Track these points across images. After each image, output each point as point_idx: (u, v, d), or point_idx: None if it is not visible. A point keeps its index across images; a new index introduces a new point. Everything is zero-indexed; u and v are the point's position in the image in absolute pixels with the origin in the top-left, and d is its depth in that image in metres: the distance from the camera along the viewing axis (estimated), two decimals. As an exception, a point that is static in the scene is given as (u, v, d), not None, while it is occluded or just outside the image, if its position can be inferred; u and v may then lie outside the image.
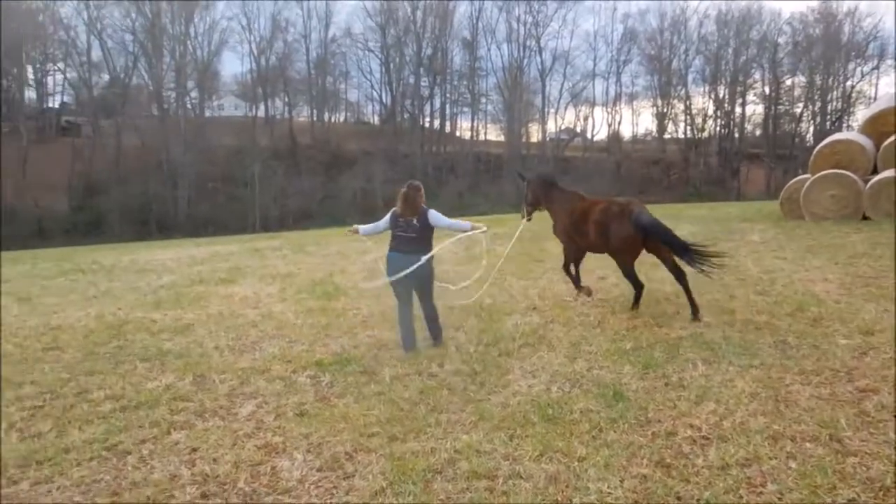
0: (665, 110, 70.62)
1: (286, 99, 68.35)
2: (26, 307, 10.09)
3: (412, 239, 6.49)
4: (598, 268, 10.15)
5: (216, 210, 52.15)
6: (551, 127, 72.36)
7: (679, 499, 3.37)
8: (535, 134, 72.83)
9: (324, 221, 45.13)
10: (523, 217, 9.18)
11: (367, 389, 5.45)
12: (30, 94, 62.98)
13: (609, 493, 3.46)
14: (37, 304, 10.37)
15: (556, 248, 13.34)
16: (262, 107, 67.79)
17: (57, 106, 65.30)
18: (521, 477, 3.71)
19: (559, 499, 3.44)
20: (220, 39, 65.81)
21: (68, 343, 7.56)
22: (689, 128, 70.16)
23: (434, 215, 6.54)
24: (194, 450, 4.38)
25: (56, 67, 63.44)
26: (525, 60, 70.09)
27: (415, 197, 6.57)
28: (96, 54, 61.67)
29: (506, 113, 70.30)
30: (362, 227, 7.06)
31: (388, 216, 6.74)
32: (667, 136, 71.05)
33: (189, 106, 64.63)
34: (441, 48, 69.39)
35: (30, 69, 61.61)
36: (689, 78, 70.02)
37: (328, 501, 3.58)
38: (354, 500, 3.54)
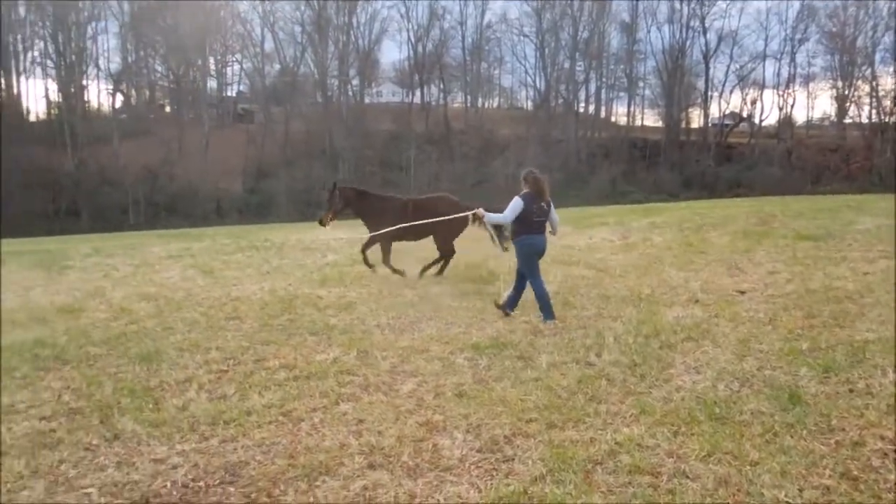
0: (846, 92, 64.55)
1: (441, 85, 69.64)
2: (210, 279, 11.03)
3: (543, 222, 7.42)
4: (768, 261, 9.51)
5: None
6: (714, 112, 68.53)
7: (870, 516, 3.10)
8: (695, 119, 69.34)
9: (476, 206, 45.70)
10: (324, 224, 10.41)
11: (524, 375, 5.46)
12: (211, 83, 68.49)
13: (787, 501, 3.25)
14: (219, 276, 11.31)
15: (719, 240, 12.69)
16: (418, 93, 69.49)
17: (234, 94, 70.62)
18: (688, 476, 3.57)
19: (730, 503, 3.27)
20: (381, 28, 68.14)
21: (246, 314, 8.18)
22: (874, 111, 63.69)
23: None
24: (360, 421, 4.59)
25: (234, 59, 68.62)
26: (688, 42, 66.72)
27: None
28: (269, 45, 66.07)
29: (664, 97, 67.41)
30: (489, 215, 7.75)
31: (520, 205, 7.23)
32: (847, 120, 64.98)
33: (350, 93, 67.55)
34: (598, 31, 67.65)
35: (211, 61, 66.96)
36: (877, 57, 63.46)
37: (488, 482, 3.63)
38: (514, 484, 3.56)
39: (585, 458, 3.84)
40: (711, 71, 67.45)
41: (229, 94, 70.52)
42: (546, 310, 7.28)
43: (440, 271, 10.41)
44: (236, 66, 69.63)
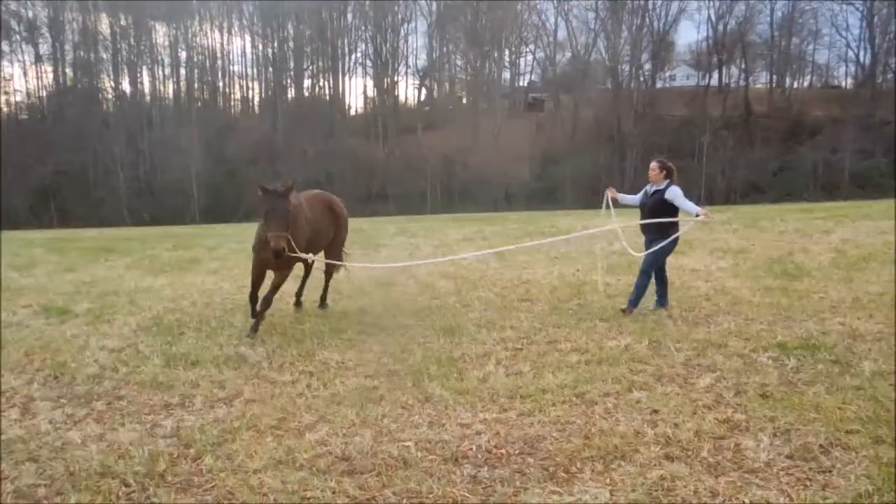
0: None
1: (743, 65, 64.52)
2: (502, 262, 11.62)
3: None
4: None
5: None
6: None
7: None
8: None
9: (776, 196, 41.80)
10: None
11: (842, 381, 4.92)
12: (505, 75, 71.46)
13: None
14: (510, 260, 11.87)
15: None
16: (715, 75, 65.26)
17: (525, 84, 72.90)
18: None
19: None
20: (679, 8, 65.09)
21: (537, 297, 8.49)
22: None
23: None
24: (655, 411, 4.52)
25: (527, 49, 70.77)
26: None
27: None
28: (561, 34, 66.97)
29: None
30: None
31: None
32: None
33: (641, 78, 65.77)
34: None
35: (506, 53, 69.80)
36: None
37: (801, 492, 3.36)
38: (833, 497, 3.25)
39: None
40: None
41: (521, 83, 72.93)
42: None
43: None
44: (529, 57, 71.78)
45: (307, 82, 67.76)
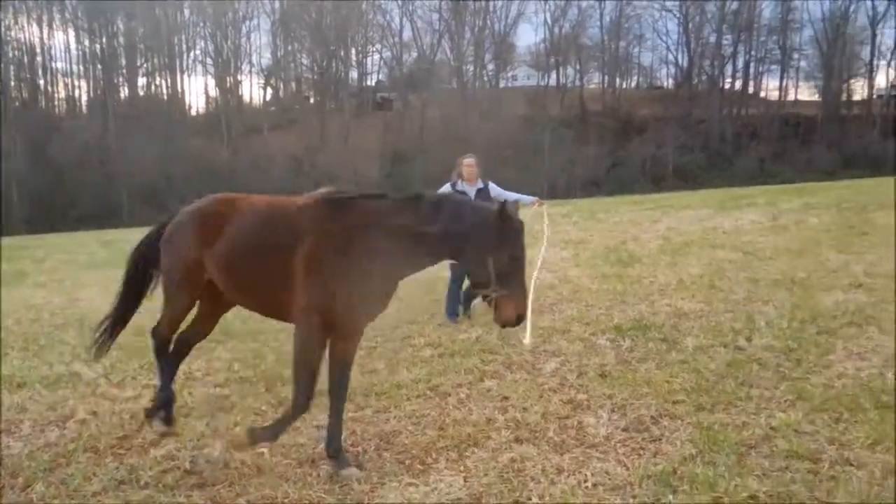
0: None
1: (578, 66, 68.28)
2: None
3: None
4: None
5: (506, 177, 54.35)
6: (881, 82, 62.56)
7: None
8: (858, 91, 63.66)
9: (610, 189, 44.62)
10: None
11: (669, 357, 5.37)
12: (352, 74, 70.97)
13: (970, 498, 3.03)
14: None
15: (885, 220, 11.67)
16: (553, 75, 68.56)
17: (373, 83, 72.87)
18: (852, 464, 3.40)
19: (902, 493, 3.10)
20: (518, 11, 67.69)
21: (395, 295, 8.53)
22: None
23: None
24: (505, 398, 4.72)
25: (374, 49, 70.73)
26: (852, 7, 61.18)
27: None
28: (407, 34, 67.53)
29: (823, 69, 62.35)
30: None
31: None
32: None
33: (485, 78, 67.77)
34: (748, 1, 63.54)
35: (353, 52, 69.37)
36: None
37: (636, 461, 3.64)
38: (663, 463, 3.54)
39: (738, 441, 3.76)
40: (879, 37, 61.57)
41: (369, 83, 72.82)
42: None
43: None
44: (376, 56, 71.79)
45: (142, 80, 63.80)
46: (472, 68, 66.76)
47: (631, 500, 3.25)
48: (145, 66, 63.95)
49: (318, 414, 4.49)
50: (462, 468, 3.68)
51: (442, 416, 4.44)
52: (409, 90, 66.42)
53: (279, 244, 3.61)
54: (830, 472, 3.33)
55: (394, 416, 4.49)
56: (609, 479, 3.47)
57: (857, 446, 3.57)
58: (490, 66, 68.05)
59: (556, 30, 67.44)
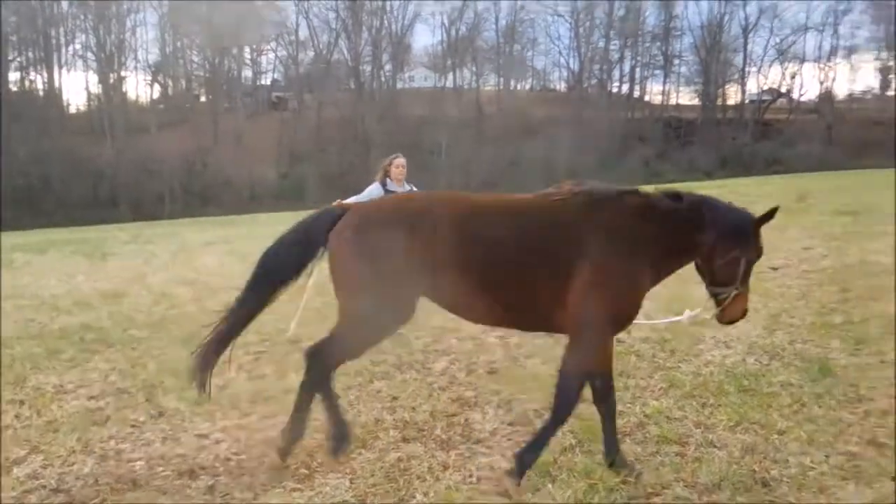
0: (891, 63, 62.53)
1: (474, 68, 69.32)
2: (247, 265, 11.27)
3: None
4: (804, 237, 9.41)
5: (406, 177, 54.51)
6: (752, 88, 67.01)
7: (894, 479, 3.13)
8: (733, 96, 67.88)
9: (508, 189, 45.64)
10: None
11: (555, 352, 5.53)
12: (246, 73, 69.12)
13: (813, 467, 3.30)
14: (253, 261, 11.54)
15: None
16: (450, 77, 69.28)
17: (268, 83, 71.23)
18: (715, 445, 3.64)
19: (756, 469, 3.34)
20: (414, 12, 67.94)
21: (282, 299, 8.36)
22: (919, 83, 61.68)
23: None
24: (395, 398, 4.74)
25: (269, 47, 69.14)
26: (726, 17, 65.20)
27: None
28: (303, 33, 66.40)
29: (701, 74, 66.11)
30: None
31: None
32: (890, 93, 63.01)
33: (383, 79, 67.67)
34: (634, 9, 66.51)
35: (247, 50, 67.56)
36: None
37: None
38: (544, 455, 3.66)
39: (614, 429, 3.92)
40: (750, 46, 65.92)
41: (264, 82, 71.13)
42: None
43: None
44: (271, 55, 70.20)
45: (14, 75, 59.59)
46: (369, 68, 66.49)
47: (513, 491, 3.33)
48: (18, 59, 59.74)
49: (200, 423, 4.37)
50: (348, 470, 3.67)
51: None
52: (306, 90, 65.41)
53: (554, 247, 3.25)
54: (696, 454, 3.55)
55: (281, 421, 4.39)
56: (493, 472, 3.55)
57: (720, 428, 3.82)
58: (387, 67, 68.00)
59: (453, 32, 68.26)
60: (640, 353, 5.34)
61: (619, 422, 4.00)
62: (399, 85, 69.20)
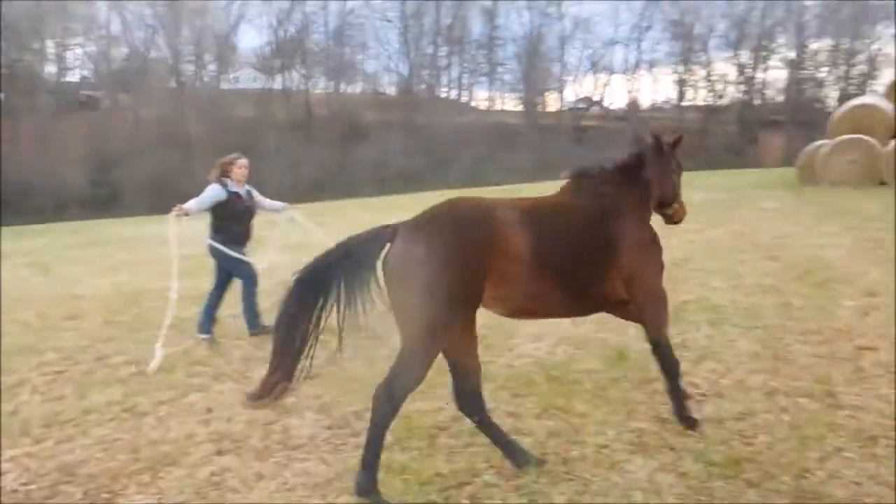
0: (685, 77, 69.49)
1: (303, 70, 68.18)
2: (47, 277, 10.34)
3: None
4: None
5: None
6: (570, 96, 71.59)
7: (672, 449, 3.48)
8: (552, 103, 72.11)
9: (338, 193, 45.26)
10: None
11: (378, 353, 5.59)
12: (50, 68, 63.20)
13: (606, 445, 3.59)
14: (57, 274, 10.62)
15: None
16: (279, 79, 67.65)
17: (77, 80, 65.61)
18: (523, 433, 3.83)
19: (559, 451, 3.57)
20: (239, 12, 65.57)
21: (88, 312, 7.76)
22: (709, 94, 69.10)
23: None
24: (210, 410, 4.55)
25: (76, 42, 63.65)
26: (545, 28, 69.14)
27: None
28: (116, 28, 61.80)
29: (523, 82, 69.61)
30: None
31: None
32: (686, 103, 69.99)
33: (206, 79, 64.70)
34: (460, 17, 68.61)
35: (50, 44, 61.80)
36: (712, 43, 68.64)
37: (336, 456, 3.73)
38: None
39: (431, 425, 4.03)
40: (566, 56, 70.38)
41: (71, 79, 65.38)
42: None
43: None
44: (79, 50, 64.65)
45: None
46: (191, 67, 63.30)
47: (330, 495, 3.33)
48: None
49: (10, 450, 3.95)
50: (155, 490, 3.48)
51: (137, 438, 4.15)
52: (120, 88, 60.98)
53: (596, 233, 3.50)
54: (506, 442, 3.72)
55: (79, 444, 4.09)
56: (310, 477, 3.52)
57: (528, 416, 4.04)
58: (211, 67, 65.13)
59: (281, 33, 66.70)
60: (459, 349, 5.52)
61: (437, 417, 4.13)
62: (224, 85, 66.53)
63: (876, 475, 3.11)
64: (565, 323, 6.06)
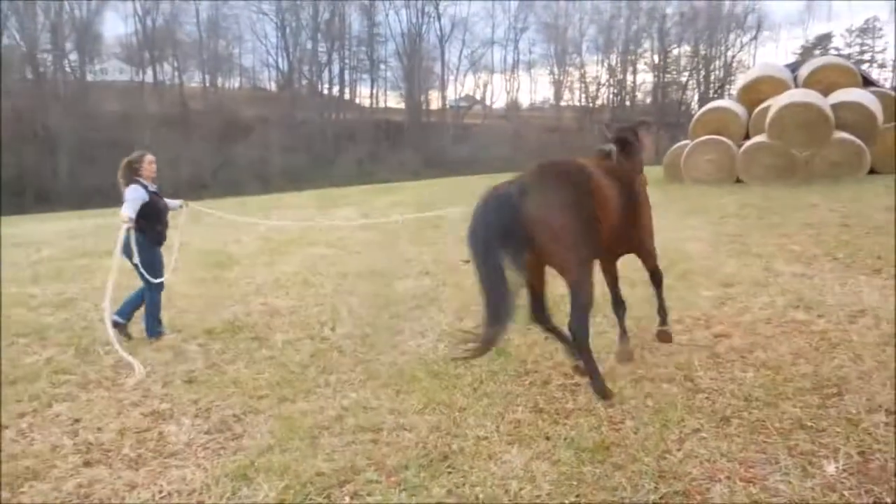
0: (561, 78, 72.18)
1: (176, 63, 65.17)
2: None
3: None
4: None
5: (103, 180, 49.36)
6: (451, 94, 72.57)
7: (548, 438, 3.65)
8: (435, 101, 72.84)
9: (219, 191, 43.69)
10: None
11: (259, 354, 5.51)
12: None
13: (485, 437, 3.71)
14: None
15: (451, 215, 13.57)
16: (149, 71, 64.36)
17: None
18: (405, 428, 3.90)
19: (439, 445, 3.65)
20: (101, -2, 61.76)
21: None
22: (583, 95, 72.14)
23: None
24: (77, 420, 4.32)
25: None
26: (424, 26, 69.65)
27: None
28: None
29: (405, 80, 69.83)
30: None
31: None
32: (563, 103, 72.72)
33: (68, 69, 60.58)
34: (339, 12, 67.85)
35: None
36: (584, 46, 71.71)
37: (215, 461, 3.65)
38: (241, 458, 3.62)
39: (313, 424, 4.02)
40: (447, 55, 71.25)
41: None
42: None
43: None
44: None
45: None
46: (49, 57, 59.03)
47: (207, 501, 3.25)
48: None
49: None
50: (14, 508, 3.27)
51: (-6, 454, 3.88)
52: (-33, 78, 55.92)
53: (625, 195, 4.42)
54: (388, 439, 3.78)
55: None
56: (186, 484, 3.42)
57: (411, 412, 4.11)
58: (73, 56, 61.03)
59: (149, 22, 63.48)
60: (342, 348, 5.52)
61: (319, 417, 4.13)
62: (89, 77, 62.55)
63: (728, 452, 3.40)
64: (448, 318, 6.20)
